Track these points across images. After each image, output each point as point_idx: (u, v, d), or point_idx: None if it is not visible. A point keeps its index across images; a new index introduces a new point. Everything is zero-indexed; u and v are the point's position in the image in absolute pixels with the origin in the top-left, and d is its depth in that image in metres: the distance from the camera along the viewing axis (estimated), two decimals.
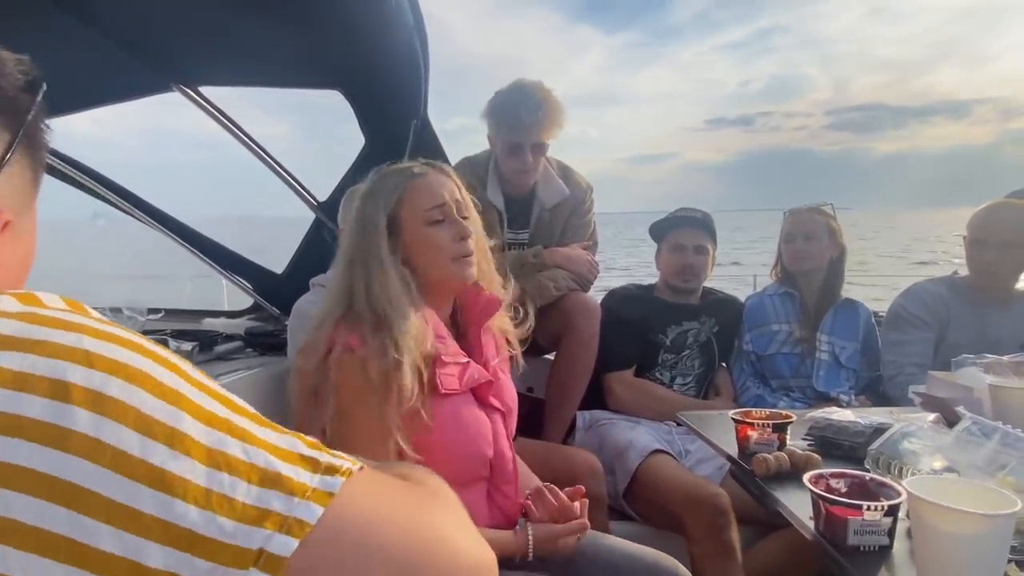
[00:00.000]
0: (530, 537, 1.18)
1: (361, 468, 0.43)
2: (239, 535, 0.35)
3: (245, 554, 0.35)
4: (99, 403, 0.34)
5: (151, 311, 2.19)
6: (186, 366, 0.40)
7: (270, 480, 0.37)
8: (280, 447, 0.39)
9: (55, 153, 2.16)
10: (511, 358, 1.37)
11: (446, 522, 0.46)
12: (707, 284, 2.34)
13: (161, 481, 0.34)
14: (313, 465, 0.40)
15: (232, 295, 2.79)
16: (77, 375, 0.34)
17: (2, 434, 0.32)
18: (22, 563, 0.31)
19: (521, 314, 1.36)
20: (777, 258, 2.35)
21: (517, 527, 1.22)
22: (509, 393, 1.31)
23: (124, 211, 2.40)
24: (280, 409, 1.88)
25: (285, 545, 0.36)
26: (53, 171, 2.20)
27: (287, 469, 0.38)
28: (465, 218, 1.24)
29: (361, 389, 1.08)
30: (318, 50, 1.84)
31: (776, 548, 1.78)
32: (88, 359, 0.35)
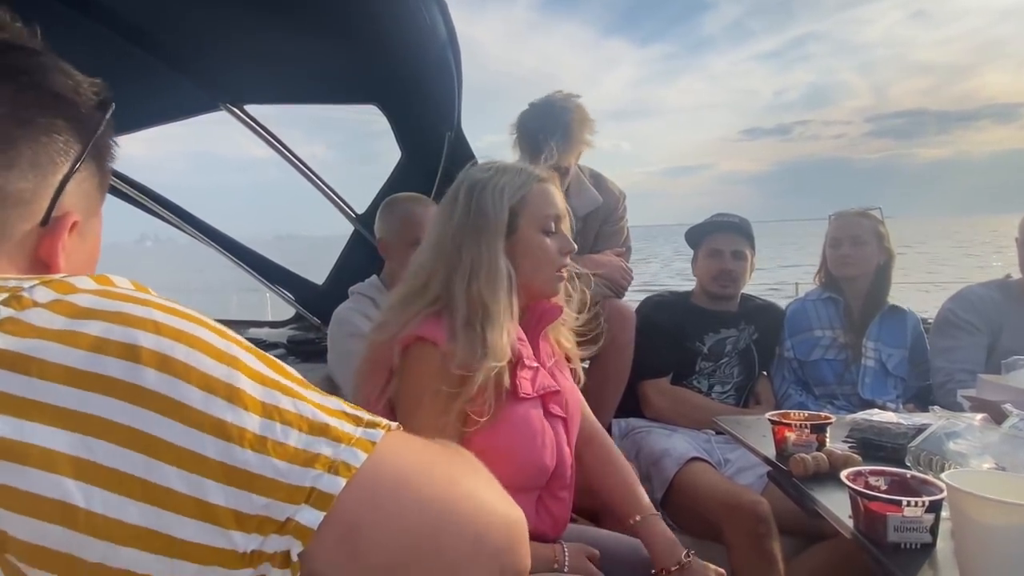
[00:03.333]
0: (566, 553, 1.19)
1: (398, 427, 0.47)
2: (292, 474, 0.39)
3: (298, 491, 0.39)
4: (166, 364, 0.38)
5: None
6: (240, 337, 0.44)
7: (319, 429, 0.41)
8: (325, 404, 0.44)
9: (113, 172, 2.28)
10: (572, 371, 1.37)
11: (476, 479, 0.49)
12: (745, 291, 2.30)
13: (221, 429, 0.38)
14: (355, 420, 0.44)
15: (275, 306, 2.89)
16: (147, 340, 0.38)
17: (86, 389, 0.36)
18: (103, 500, 0.35)
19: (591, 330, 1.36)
20: (822, 263, 2.29)
21: (557, 542, 1.21)
22: (573, 399, 1.30)
23: (175, 226, 2.51)
24: None
25: (334, 483, 0.40)
26: (111, 189, 2.32)
27: (333, 421, 0.42)
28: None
29: (436, 381, 1.06)
30: (357, 66, 1.91)
31: (820, 559, 1.72)
32: (156, 327, 0.39)
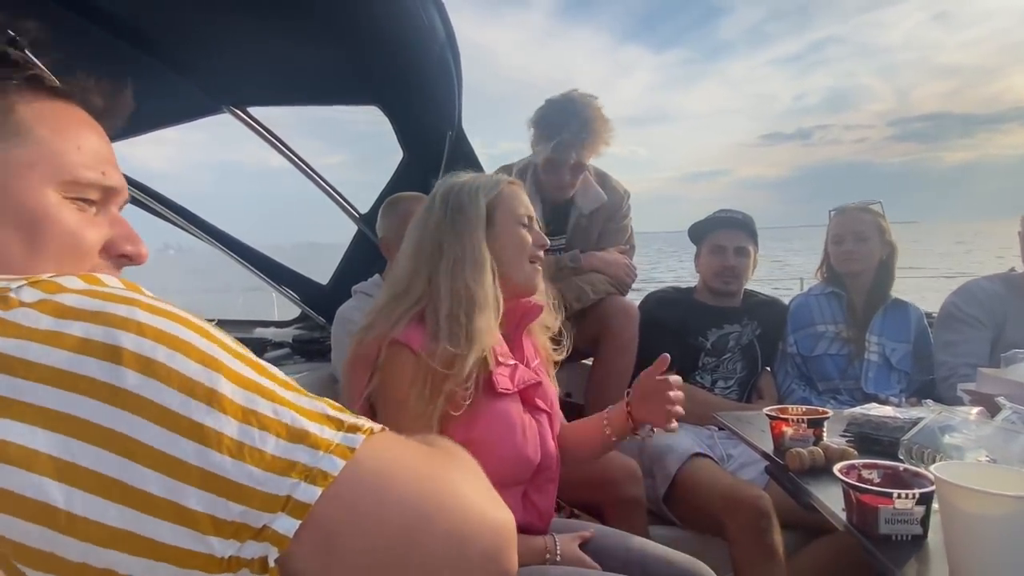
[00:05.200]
0: (557, 544, 1.21)
1: (382, 429, 0.46)
2: (269, 483, 0.39)
3: (274, 500, 0.39)
4: (147, 366, 0.38)
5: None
6: (226, 338, 0.43)
7: (297, 435, 0.41)
8: (306, 408, 0.43)
9: (133, 183, 2.31)
10: (555, 364, 1.39)
11: (462, 481, 0.48)
12: (748, 287, 2.30)
13: (199, 434, 0.38)
14: (337, 424, 0.43)
15: (281, 306, 2.92)
16: (129, 341, 0.39)
17: (67, 390, 0.37)
18: (83, 501, 0.36)
19: (560, 329, 1.38)
20: (824, 258, 2.29)
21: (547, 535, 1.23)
22: (552, 394, 1.33)
23: (181, 227, 2.54)
24: None
25: (310, 493, 0.40)
26: (132, 200, 2.36)
27: (312, 427, 0.42)
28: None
29: (410, 385, 1.09)
30: (357, 68, 1.93)
31: (822, 553, 1.72)
32: (139, 328, 0.39)
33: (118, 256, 0.58)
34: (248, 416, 0.40)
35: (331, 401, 0.46)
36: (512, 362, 1.23)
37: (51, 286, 0.41)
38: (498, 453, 1.16)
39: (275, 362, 2.14)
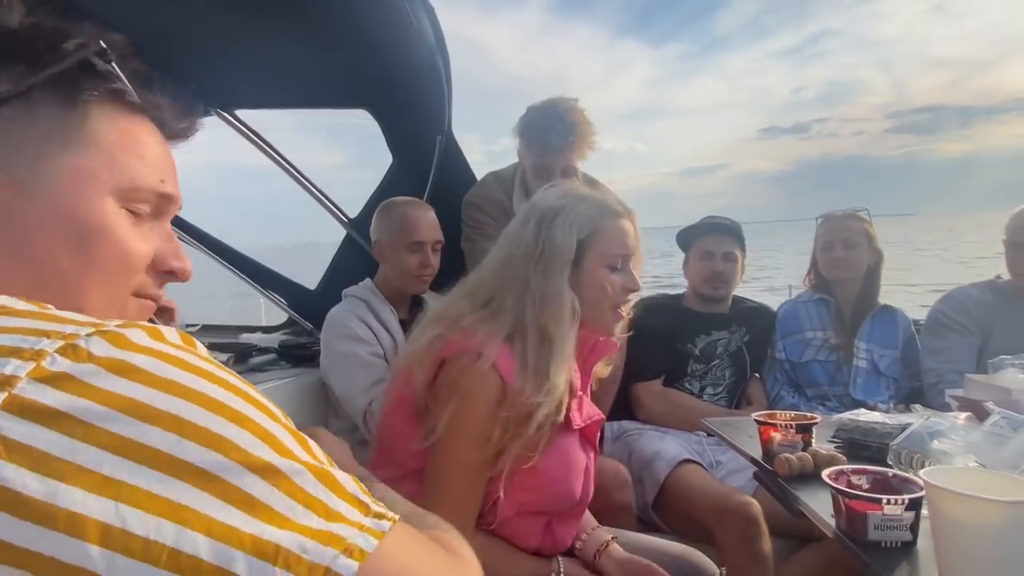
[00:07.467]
0: (561, 568, 1.19)
1: (395, 521, 0.48)
2: (313, 552, 0.41)
3: (316, 569, 0.40)
4: (209, 439, 0.40)
5: (188, 325, 2.28)
6: (276, 410, 0.46)
7: (335, 515, 0.44)
8: (344, 487, 0.45)
9: None
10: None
11: None
12: (737, 293, 2.31)
13: (251, 505, 0.40)
14: (364, 508, 0.46)
15: (269, 312, 2.88)
16: (193, 414, 0.40)
17: (130, 459, 0.38)
18: (125, 568, 0.36)
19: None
20: (811, 265, 2.31)
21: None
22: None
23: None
24: (312, 416, 1.93)
25: (348, 567, 0.41)
26: None
27: (346, 509, 0.44)
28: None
29: (496, 414, 1.06)
30: (346, 70, 1.92)
31: (813, 560, 1.72)
32: (203, 400, 0.41)
33: (165, 272, 0.58)
34: (295, 490, 0.42)
35: (357, 480, 0.48)
36: (579, 393, 1.20)
37: (120, 339, 0.41)
38: (551, 486, 1.14)
39: (261, 367, 2.12)
